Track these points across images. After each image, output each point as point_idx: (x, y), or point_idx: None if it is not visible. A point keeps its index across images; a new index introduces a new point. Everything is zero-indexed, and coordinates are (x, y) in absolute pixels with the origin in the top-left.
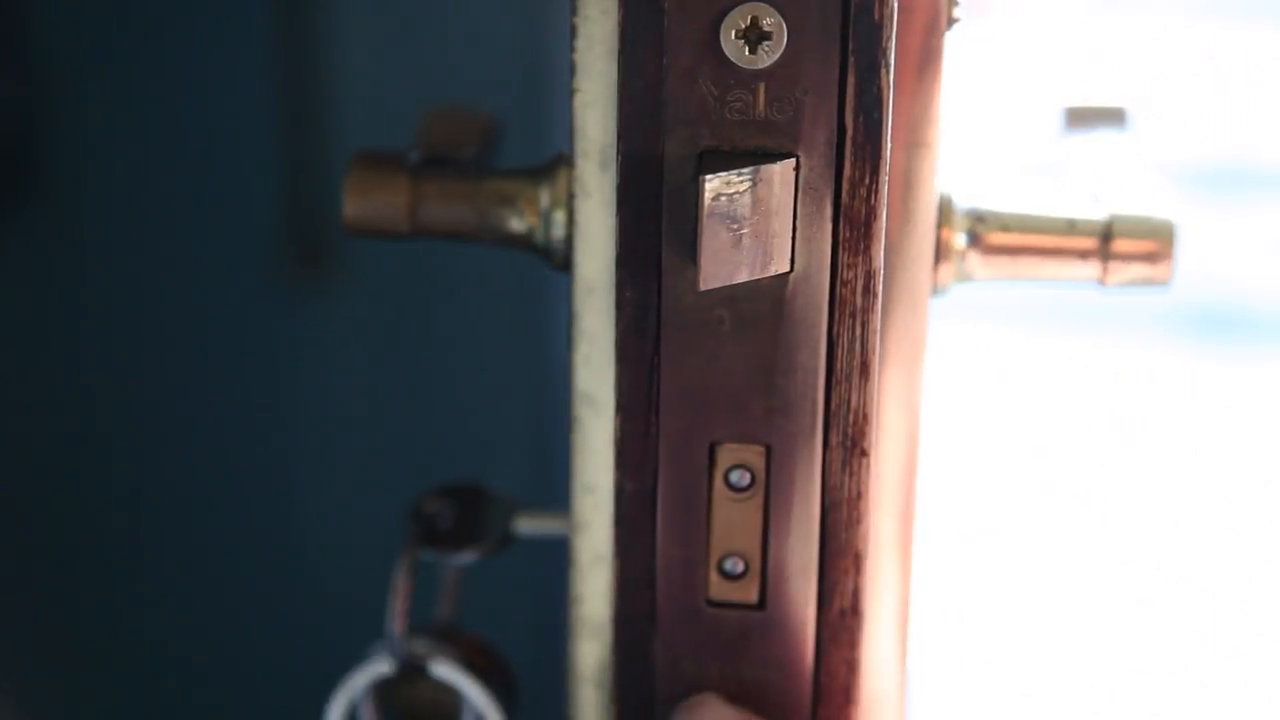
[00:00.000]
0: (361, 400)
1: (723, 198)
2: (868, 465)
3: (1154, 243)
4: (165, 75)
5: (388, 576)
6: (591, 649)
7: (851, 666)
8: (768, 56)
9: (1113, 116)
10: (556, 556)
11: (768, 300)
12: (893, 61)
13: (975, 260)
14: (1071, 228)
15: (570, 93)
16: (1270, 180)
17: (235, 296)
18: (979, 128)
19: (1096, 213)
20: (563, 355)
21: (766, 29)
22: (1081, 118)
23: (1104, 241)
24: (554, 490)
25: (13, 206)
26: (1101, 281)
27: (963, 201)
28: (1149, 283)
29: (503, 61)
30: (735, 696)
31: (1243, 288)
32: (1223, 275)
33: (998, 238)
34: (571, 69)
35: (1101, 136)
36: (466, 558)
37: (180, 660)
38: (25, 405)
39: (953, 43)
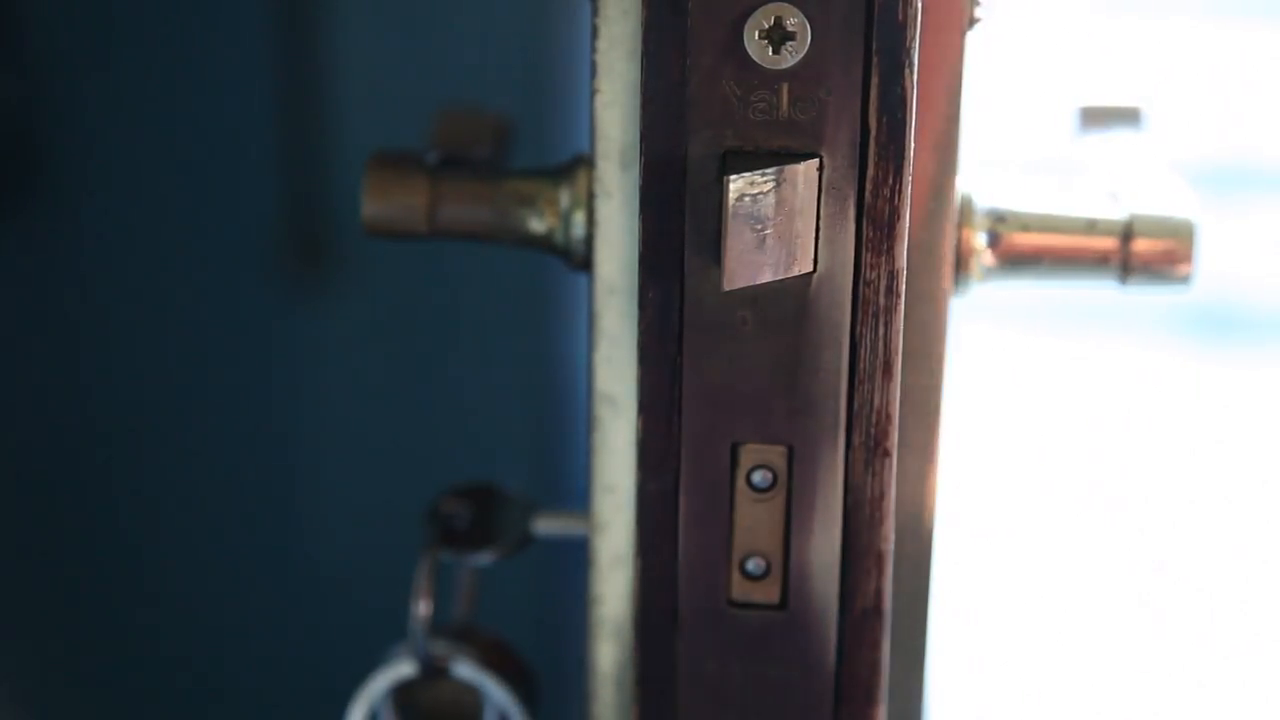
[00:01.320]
0: (362, 400)
1: (747, 198)
2: (890, 465)
3: (1174, 242)
4: (165, 75)
5: (389, 575)
6: (611, 649)
7: (874, 667)
8: (791, 57)
9: (1128, 116)
10: (558, 556)
11: (791, 300)
12: (916, 62)
13: (996, 260)
14: (1092, 227)
15: (591, 93)
16: (1270, 180)
17: (235, 296)
18: (996, 127)
19: (1116, 212)
20: (564, 355)
21: (790, 29)
22: (1097, 117)
23: (1124, 241)
24: (554, 489)
25: (13, 206)
26: (1122, 281)
27: (983, 201)
28: (1169, 282)
29: (503, 61)
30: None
31: (1243, 288)
32: (1223, 275)
33: (1018, 238)
34: (592, 69)
35: (1117, 136)
36: (485, 558)
37: (180, 661)
38: (24, 405)
39: (974, 42)
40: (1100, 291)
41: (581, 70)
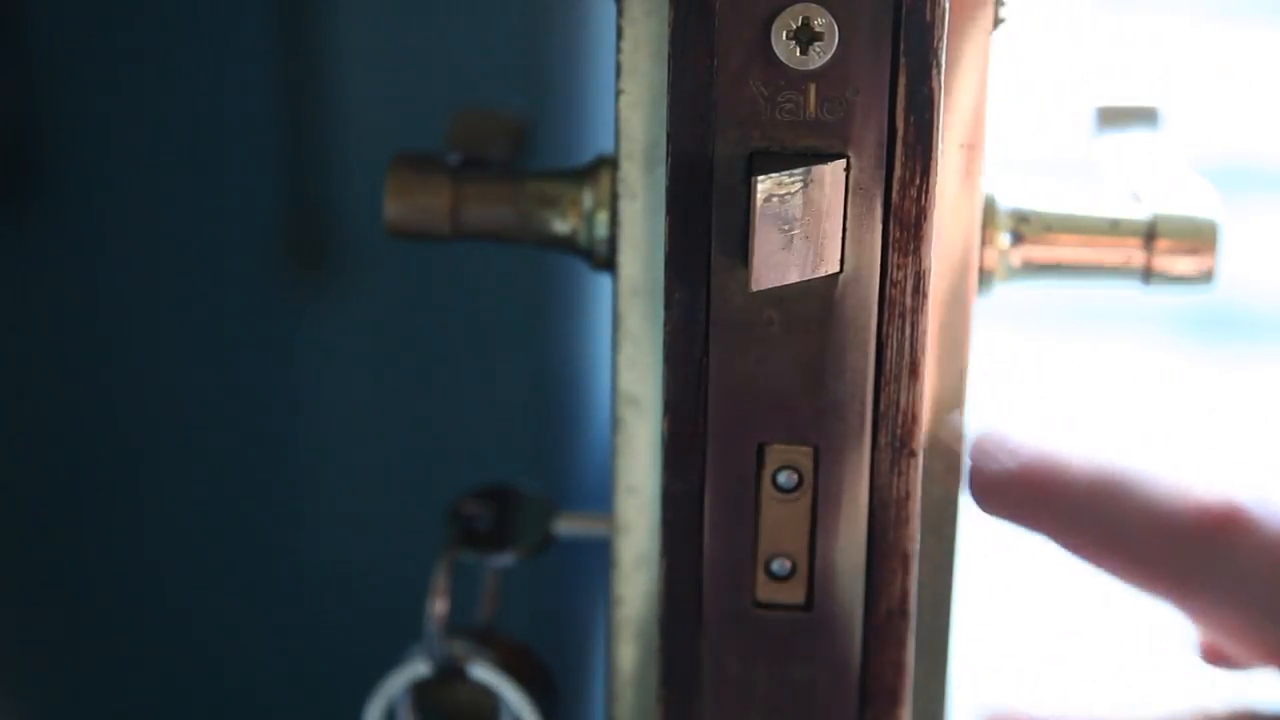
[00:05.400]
0: (362, 401)
1: (774, 199)
2: (916, 465)
3: (1197, 242)
4: (166, 75)
5: (390, 577)
6: (633, 651)
7: (899, 668)
8: (819, 57)
9: (1145, 116)
10: (576, 557)
11: (817, 301)
12: (944, 62)
13: (1019, 260)
14: (1114, 228)
15: (615, 94)
16: (1271, 180)
17: (236, 297)
18: (1013, 127)
19: (1139, 212)
20: (567, 356)
21: (818, 29)
22: (1114, 117)
23: (1148, 241)
24: (558, 491)
25: (13, 206)
26: (1145, 282)
27: (1006, 202)
28: (1193, 282)
29: (504, 62)
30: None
31: (1243, 288)
32: (1224, 275)
33: (1042, 238)
34: (617, 70)
35: (1135, 136)
36: (506, 559)
37: (194, 663)
38: (25, 406)
39: (999, 43)
40: (1122, 292)
41: (585, 69)
